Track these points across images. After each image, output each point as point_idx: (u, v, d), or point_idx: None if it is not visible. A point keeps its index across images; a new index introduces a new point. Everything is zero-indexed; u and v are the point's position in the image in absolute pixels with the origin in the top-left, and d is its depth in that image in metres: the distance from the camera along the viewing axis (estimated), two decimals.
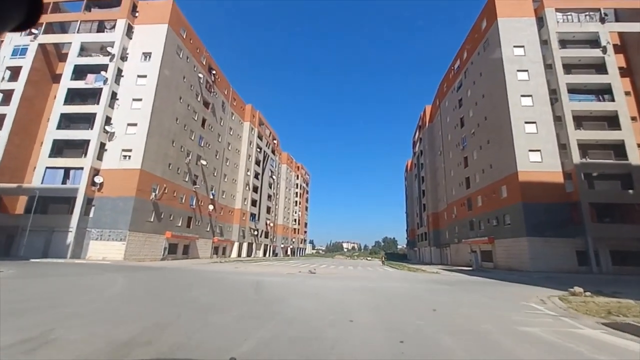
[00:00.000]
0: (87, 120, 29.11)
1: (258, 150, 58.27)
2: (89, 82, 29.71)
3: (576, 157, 26.60)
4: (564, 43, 30.21)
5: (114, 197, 27.67)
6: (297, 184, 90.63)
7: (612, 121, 27.83)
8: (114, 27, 31.79)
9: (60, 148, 28.97)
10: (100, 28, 32.33)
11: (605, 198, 26.31)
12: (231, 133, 48.78)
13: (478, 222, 35.64)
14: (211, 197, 41.59)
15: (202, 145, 39.25)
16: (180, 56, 34.77)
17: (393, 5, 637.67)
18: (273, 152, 69.13)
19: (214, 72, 42.57)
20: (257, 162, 58.00)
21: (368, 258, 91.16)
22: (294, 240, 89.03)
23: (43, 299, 7.75)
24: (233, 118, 49.69)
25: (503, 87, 30.29)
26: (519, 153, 28.17)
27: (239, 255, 50.60)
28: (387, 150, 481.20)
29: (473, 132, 37.31)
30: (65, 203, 27.29)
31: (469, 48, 39.26)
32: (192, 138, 37.14)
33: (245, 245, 52.89)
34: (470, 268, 32.22)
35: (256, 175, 57.42)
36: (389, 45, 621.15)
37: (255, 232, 57.58)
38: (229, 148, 47.99)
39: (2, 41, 32.28)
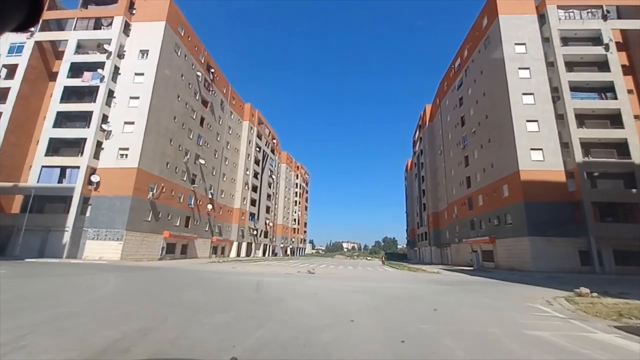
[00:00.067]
0: (83, 119, 28.80)
1: (257, 149, 57.93)
2: (86, 79, 29.36)
3: (578, 156, 26.27)
4: (565, 40, 29.87)
5: (111, 196, 27.33)
6: (296, 184, 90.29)
7: (614, 119, 27.50)
8: (111, 24, 31.45)
9: (56, 147, 28.64)
10: (97, 25, 32.00)
11: (608, 197, 25.98)
12: (230, 132, 48.44)
13: (479, 222, 35.32)
14: (210, 196, 41.25)
15: (200, 144, 38.91)
16: (178, 54, 34.43)
17: (393, 5, 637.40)
18: (272, 151, 68.80)
19: (212, 70, 42.22)
20: (257, 162, 57.66)
21: (368, 258, 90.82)
22: (293, 240, 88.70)
23: (26, 300, 7.42)
24: (232, 117, 49.34)
25: (504, 85, 29.96)
26: (521, 152, 27.84)
27: (238, 255, 50.26)
28: (387, 150, 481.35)
29: (474, 131, 36.97)
30: (61, 202, 26.96)
31: (470, 46, 38.92)
32: (191, 137, 36.80)
33: (244, 245, 52.56)
34: (471, 268, 31.91)
35: (255, 175, 57.08)
36: (389, 45, 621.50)
37: (255, 232, 57.25)
38: (228, 147, 47.65)
39: None
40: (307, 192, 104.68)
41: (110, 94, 29.79)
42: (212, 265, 25.40)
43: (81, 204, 26.63)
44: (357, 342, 4.70)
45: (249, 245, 54.82)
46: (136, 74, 30.63)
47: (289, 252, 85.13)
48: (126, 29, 31.77)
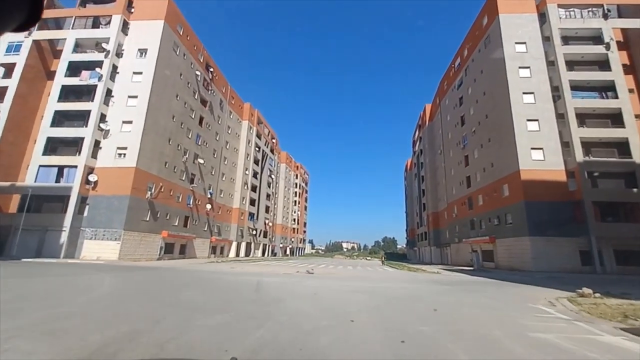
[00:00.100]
0: (81, 118, 28.60)
1: (257, 149, 57.74)
2: (84, 78, 29.18)
3: (579, 155, 26.12)
4: (566, 39, 29.73)
5: (109, 195, 27.15)
6: (296, 184, 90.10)
7: (615, 119, 27.36)
8: (109, 23, 31.27)
9: (54, 146, 28.44)
10: (96, 24, 31.81)
11: (608, 197, 25.83)
12: (229, 131, 48.25)
13: (479, 222, 35.17)
14: (209, 196, 41.07)
15: (199, 143, 38.72)
16: (177, 53, 34.25)
17: (393, 5, 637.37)
18: (272, 151, 68.61)
19: (211, 69, 42.04)
20: (256, 161, 57.47)
21: (367, 258, 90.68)
22: (293, 240, 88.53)
23: (17, 301, 7.23)
24: (231, 116, 49.16)
25: (504, 85, 29.81)
26: (521, 151, 27.68)
27: (237, 255, 50.08)
28: (387, 150, 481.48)
29: (474, 131, 36.82)
30: (59, 202, 26.76)
31: (470, 45, 38.76)
32: (189, 136, 36.62)
33: (243, 245, 52.37)
34: (471, 268, 31.76)
35: (255, 175, 56.89)
36: (389, 45, 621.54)
37: (254, 232, 57.07)
38: (227, 147, 47.46)
39: None
40: (306, 192, 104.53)
41: (109, 93, 29.60)
42: (210, 265, 25.22)
43: (79, 203, 26.45)
44: (357, 343, 4.57)
45: (248, 245, 54.63)
46: (134, 72, 30.45)
47: (288, 252, 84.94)
48: (124, 27, 31.59)
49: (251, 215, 55.55)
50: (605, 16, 29.53)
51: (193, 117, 37.37)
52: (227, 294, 10.11)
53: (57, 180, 27.19)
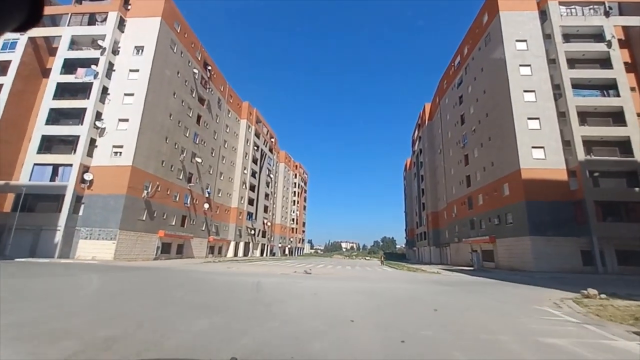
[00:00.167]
0: (77, 116, 28.21)
1: (255, 148, 57.35)
2: (79, 76, 28.78)
3: (581, 154, 25.84)
4: (567, 37, 29.46)
5: (105, 194, 26.77)
6: (295, 183, 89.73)
7: (617, 117, 27.09)
8: (105, 20, 30.88)
9: (49, 144, 28.06)
10: (92, 21, 31.41)
11: (610, 196, 25.55)
12: (227, 130, 47.86)
13: (479, 221, 34.87)
14: (207, 195, 40.70)
15: (197, 142, 38.33)
16: (174, 50, 33.86)
17: (393, 5, 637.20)
18: (271, 150, 68.23)
19: (209, 68, 41.65)
20: (254, 161, 57.09)
21: (367, 258, 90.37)
22: (291, 239, 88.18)
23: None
24: (229, 115, 48.77)
25: (505, 83, 29.51)
26: (522, 150, 27.39)
27: (236, 254, 49.71)
28: (387, 150, 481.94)
29: (474, 129, 36.52)
30: (53, 201, 26.35)
31: (470, 43, 38.46)
32: (187, 135, 36.23)
33: (242, 245, 51.99)
34: (471, 268, 31.46)
35: (253, 174, 56.51)
36: (389, 45, 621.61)
37: (252, 232, 56.69)
38: (225, 146, 47.08)
39: None
40: (305, 191, 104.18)
41: (104, 91, 29.20)
42: (207, 265, 24.85)
43: (74, 202, 26.05)
44: (354, 351, 4.22)
45: (246, 245, 54.24)
46: (131, 70, 30.06)
47: (287, 251, 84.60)
48: (121, 24, 31.19)
49: (249, 214, 55.19)
50: (607, 14, 29.25)
51: (191, 115, 36.98)
52: (222, 294, 9.76)
53: (52, 179, 26.81)
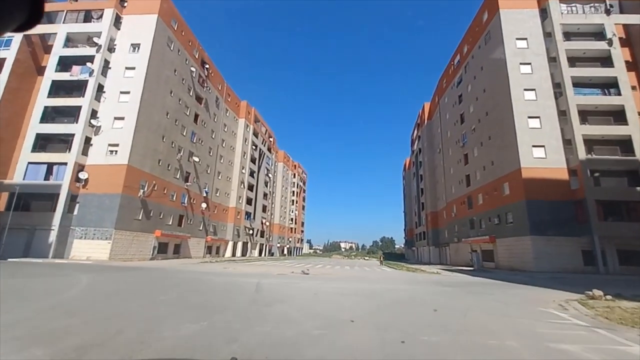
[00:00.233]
0: (72, 114, 27.82)
1: (253, 147, 56.98)
2: (74, 73, 28.39)
3: (581, 153, 25.59)
4: (568, 35, 29.21)
5: (100, 193, 26.39)
6: (294, 183, 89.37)
7: (618, 116, 26.86)
8: (101, 17, 30.49)
9: (43, 142, 27.66)
10: (87, 18, 31.02)
11: (611, 195, 25.30)
12: (225, 129, 47.48)
13: (479, 221, 34.61)
14: (204, 194, 40.33)
15: (194, 141, 37.95)
16: (171, 48, 33.48)
17: (393, 5, 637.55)
18: (269, 149, 67.85)
19: (207, 66, 41.28)
20: (253, 160, 56.71)
21: (366, 258, 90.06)
22: (290, 239, 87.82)
23: None
24: (227, 114, 48.39)
25: (505, 81, 29.25)
26: (522, 149, 27.13)
27: (234, 254, 49.34)
28: (386, 150, 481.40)
29: (473, 128, 36.26)
30: (48, 200, 25.96)
31: (470, 42, 38.19)
32: (184, 134, 35.84)
33: (240, 245, 51.63)
34: (471, 268, 31.18)
35: (251, 173, 56.15)
36: (389, 45, 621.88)
37: (251, 231, 56.32)
38: (223, 145, 46.70)
39: None
40: (304, 191, 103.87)
41: (100, 89, 28.83)
42: (203, 265, 24.49)
43: (68, 201, 25.67)
44: (354, 352, 3.94)
45: (244, 244, 53.88)
46: (127, 68, 29.68)
47: (285, 251, 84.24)
48: (117, 22, 30.81)
49: (248, 214, 54.83)
50: (608, 12, 29.02)
51: (188, 114, 36.60)
52: (209, 298, 9.43)
53: (47, 178, 26.43)
